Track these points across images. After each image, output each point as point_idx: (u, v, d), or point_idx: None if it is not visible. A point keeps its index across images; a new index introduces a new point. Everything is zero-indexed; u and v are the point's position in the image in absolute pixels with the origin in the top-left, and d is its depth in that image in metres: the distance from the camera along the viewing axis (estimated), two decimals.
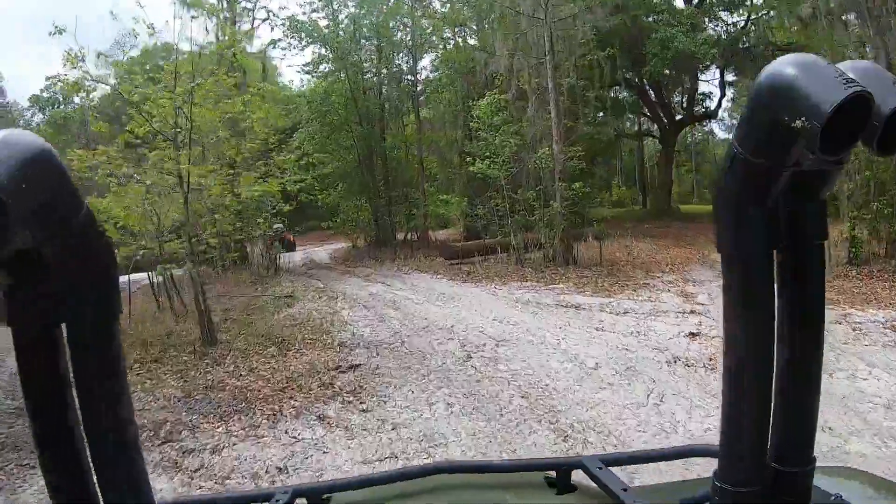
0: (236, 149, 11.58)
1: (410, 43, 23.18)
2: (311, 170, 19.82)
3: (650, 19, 21.15)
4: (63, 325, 0.64)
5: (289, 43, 22.18)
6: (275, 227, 19.01)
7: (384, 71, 22.96)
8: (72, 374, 0.65)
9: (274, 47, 23.56)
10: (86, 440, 0.66)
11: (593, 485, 1.01)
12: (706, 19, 22.58)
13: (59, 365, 0.65)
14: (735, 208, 0.65)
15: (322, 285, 14.70)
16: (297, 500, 1.00)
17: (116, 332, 0.66)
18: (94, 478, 0.67)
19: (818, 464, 0.76)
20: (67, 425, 0.65)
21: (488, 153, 15.55)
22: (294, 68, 60.17)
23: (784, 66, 0.58)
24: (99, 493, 0.67)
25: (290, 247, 23.34)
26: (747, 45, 22.56)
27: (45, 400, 0.65)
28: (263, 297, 13.14)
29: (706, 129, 38.85)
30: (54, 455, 0.66)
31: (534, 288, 12.53)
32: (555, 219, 14.59)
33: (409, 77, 23.93)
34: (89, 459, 0.67)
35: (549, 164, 14.91)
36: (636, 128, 31.75)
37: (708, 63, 23.14)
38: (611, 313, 9.96)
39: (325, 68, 22.57)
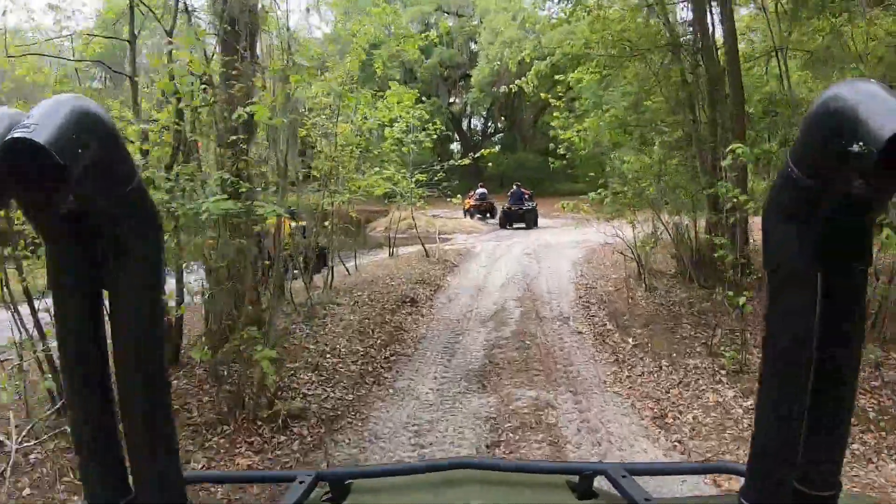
0: None
1: None
2: None
3: None
4: (105, 294, 0.66)
5: None
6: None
7: None
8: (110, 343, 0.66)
9: None
10: (119, 409, 0.67)
11: (615, 492, 1.00)
12: None
13: (98, 333, 0.67)
14: (782, 227, 0.65)
15: None
16: (320, 483, 1.01)
17: (158, 302, 0.67)
18: (125, 446, 0.69)
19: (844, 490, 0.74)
20: (103, 393, 0.67)
21: None
22: None
23: (844, 89, 0.57)
24: (128, 460, 0.69)
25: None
26: None
27: (81, 367, 0.66)
28: None
29: None
30: (86, 422, 0.68)
31: None
32: None
33: None
34: (121, 428, 0.68)
35: None
36: None
37: None
38: None
39: None
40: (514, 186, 24.50)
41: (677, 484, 3.25)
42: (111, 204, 0.61)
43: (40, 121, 0.52)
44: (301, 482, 0.97)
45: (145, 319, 0.65)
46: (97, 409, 0.68)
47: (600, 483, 1.02)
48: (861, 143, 0.53)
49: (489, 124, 50.81)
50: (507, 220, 23.61)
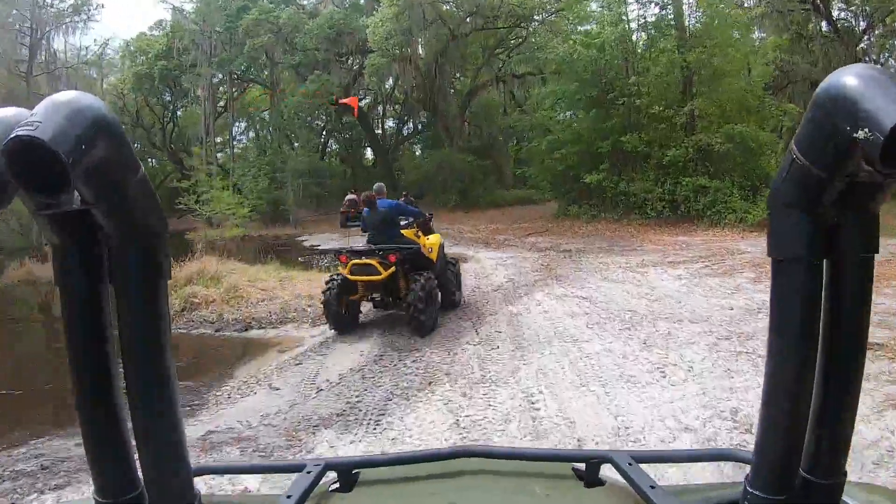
0: None
1: None
2: None
3: None
4: (111, 288, 0.63)
5: None
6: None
7: None
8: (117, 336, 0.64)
9: None
10: (127, 402, 0.66)
11: (621, 480, 0.94)
12: None
13: (105, 327, 0.65)
14: (786, 215, 0.63)
15: None
16: (328, 473, 0.97)
17: (163, 296, 0.64)
18: (133, 439, 0.66)
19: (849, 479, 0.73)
20: (110, 387, 0.66)
21: None
22: None
23: (848, 75, 0.55)
24: (136, 454, 0.67)
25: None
26: None
27: (88, 361, 0.65)
28: None
29: None
30: (94, 416, 0.66)
31: None
32: None
33: None
34: (129, 421, 0.66)
35: None
36: None
37: None
38: None
39: None
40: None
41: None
42: (116, 199, 0.59)
43: (44, 118, 0.50)
44: (309, 471, 0.95)
45: (151, 312, 0.64)
46: (105, 403, 0.66)
47: (606, 471, 0.99)
48: (866, 130, 0.52)
49: (406, 121, 39.91)
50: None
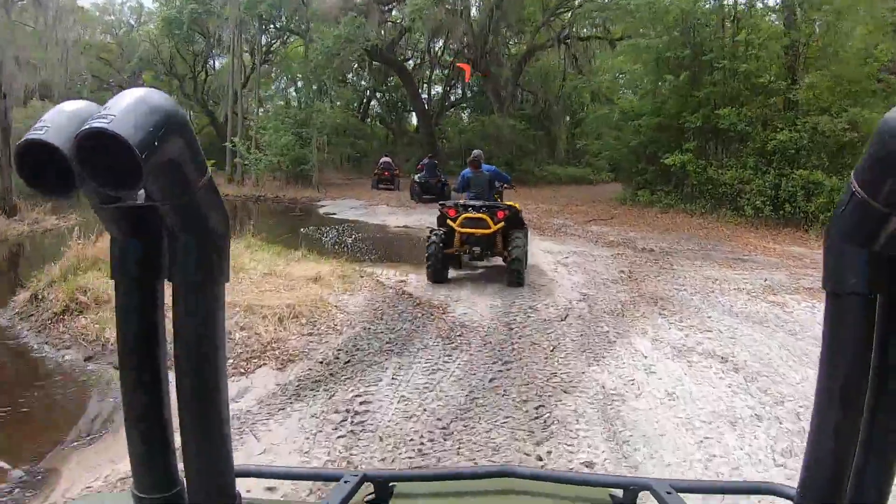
0: None
1: None
2: None
3: None
4: (167, 285, 0.64)
5: None
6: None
7: None
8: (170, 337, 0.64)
9: None
10: (175, 399, 0.65)
11: None
12: None
13: (158, 323, 0.65)
14: (846, 248, 0.62)
15: None
16: (365, 484, 0.95)
17: (220, 297, 0.64)
18: (178, 443, 0.67)
19: None
20: (158, 383, 0.66)
21: None
22: None
23: None
24: (180, 458, 0.67)
25: None
26: None
27: (138, 355, 0.65)
28: None
29: None
30: (140, 410, 0.66)
31: None
32: None
33: None
34: (174, 423, 0.66)
35: None
36: None
37: None
38: None
39: None
40: (427, 158, 21.13)
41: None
42: (182, 198, 0.59)
43: (118, 113, 0.50)
44: (346, 481, 0.93)
45: (209, 311, 0.63)
46: (152, 399, 0.66)
47: (643, 498, 0.96)
48: None
49: (454, 85, 36.11)
50: (420, 193, 19.43)
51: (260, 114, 30.09)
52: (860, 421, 0.65)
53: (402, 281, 7.90)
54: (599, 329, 5.80)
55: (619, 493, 0.96)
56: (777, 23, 16.03)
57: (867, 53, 14.39)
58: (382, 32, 28.19)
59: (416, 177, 20.17)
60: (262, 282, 6.67)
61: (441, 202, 8.40)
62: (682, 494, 0.92)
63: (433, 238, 7.68)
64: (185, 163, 0.57)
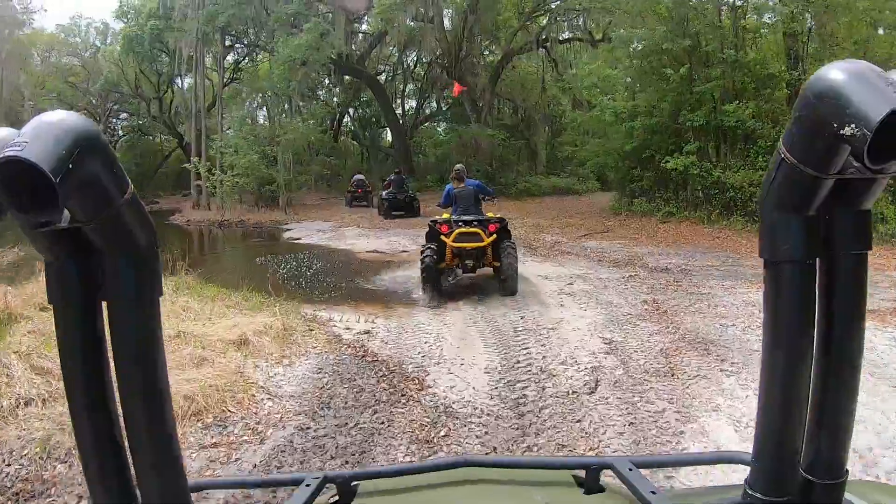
0: None
1: None
2: None
3: None
4: (104, 304, 0.64)
5: None
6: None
7: None
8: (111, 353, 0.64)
9: None
10: (123, 418, 0.65)
11: (622, 486, 0.91)
12: None
13: (99, 342, 0.64)
14: (780, 215, 0.63)
15: None
16: (327, 486, 0.95)
17: (156, 312, 0.64)
18: (129, 455, 0.66)
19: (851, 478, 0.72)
20: (105, 402, 0.65)
21: None
22: None
23: (835, 71, 0.54)
24: (133, 470, 0.67)
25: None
26: None
27: (83, 376, 0.64)
28: None
29: None
30: (90, 430, 0.65)
31: None
32: None
33: None
34: (125, 437, 0.65)
35: None
36: None
37: None
38: None
39: None
40: (394, 174, 20.37)
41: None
42: (107, 217, 0.59)
43: (31, 139, 0.51)
44: (308, 485, 0.92)
45: (145, 327, 0.63)
46: (101, 418, 0.65)
47: (606, 478, 0.96)
48: (853, 126, 0.52)
49: (428, 97, 34.45)
50: (389, 209, 18.63)
51: (226, 132, 28.14)
52: (808, 388, 0.65)
53: (365, 332, 5.98)
54: (651, 408, 3.92)
55: (582, 473, 0.95)
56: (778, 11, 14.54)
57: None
58: (353, 46, 26.50)
59: (384, 193, 19.36)
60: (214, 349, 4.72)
61: (432, 219, 8.30)
62: (642, 470, 0.92)
63: (427, 253, 7.74)
64: (104, 181, 0.56)
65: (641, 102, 14.77)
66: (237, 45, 30.63)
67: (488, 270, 8.17)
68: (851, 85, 0.52)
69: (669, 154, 14.22)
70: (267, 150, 23.31)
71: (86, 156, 0.53)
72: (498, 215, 8.16)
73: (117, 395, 0.65)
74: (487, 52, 28.99)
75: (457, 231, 7.58)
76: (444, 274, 8.15)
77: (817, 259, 0.63)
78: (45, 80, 34.47)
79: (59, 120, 0.54)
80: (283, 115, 25.83)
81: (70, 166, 0.51)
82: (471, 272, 8.28)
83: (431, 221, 8.14)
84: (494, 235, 7.66)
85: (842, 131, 0.52)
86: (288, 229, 17.91)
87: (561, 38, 25.57)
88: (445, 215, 8.09)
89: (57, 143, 0.51)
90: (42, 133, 0.52)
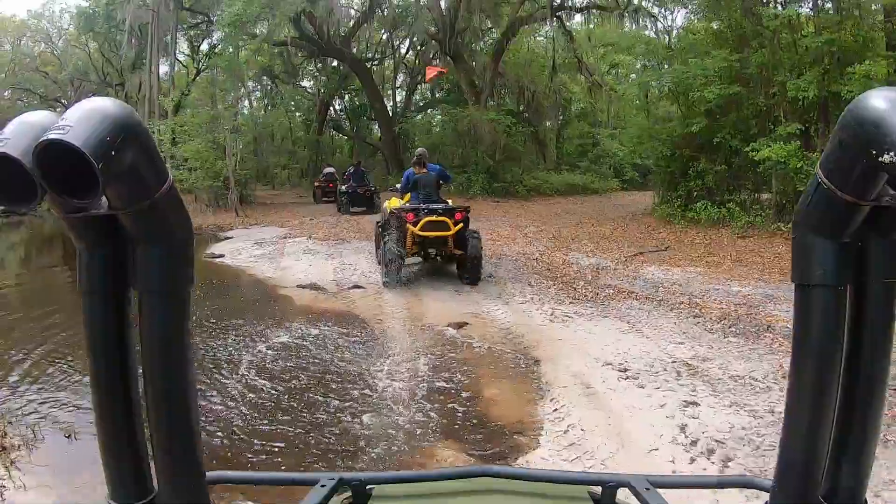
0: None
1: None
2: None
3: None
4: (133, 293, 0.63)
5: None
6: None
7: None
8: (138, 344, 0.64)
9: None
10: (147, 408, 0.65)
11: None
12: None
13: (126, 331, 0.64)
14: (813, 239, 0.61)
15: None
16: (342, 487, 0.93)
17: (186, 303, 0.64)
18: (150, 448, 0.66)
19: None
20: (128, 391, 0.65)
21: None
22: None
23: (876, 97, 0.53)
24: (152, 462, 0.66)
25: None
26: None
27: (107, 364, 0.64)
28: None
29: None
30: (111, 418, 0.65)
31: None
32: None
33: None
34: (146, 429, 0.65)
35: None
36: None
37: None
38: None
39: None
40: (352, 166, 18.59)
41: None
42: (144, 207, 0.58)
43: (75, 123, 0.50)
44: (323, 485, 0.90)
45: (174, 319, 0.63)
46: (122, 408, 0.64)
47: (622, 495, 0.93)
48: (893, 154, 0.51)
49: (420, 82, 29.95)
50: (348, 204, 17.13)
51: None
52: (832, 414, 0.64)
53: None
54: None
55: (598, 490, 0.93)
56: None
57: None
58: (332, 16, 22.07)
59: (343, 187, 17.70)
60: None
61: (396, 208, 7.89)
62: (660, 490, 0.90)
63: (390, 243, 7.66)
64: (144, 170, 0.56)
65: (716, 63, 10.12)
66: (200, 23, 26.26)
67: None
68: (893, 112, 0.50)
69: (752, 139, 9.80)
70: (219, 139, 18.85)
71: (128, 143, 0.52)
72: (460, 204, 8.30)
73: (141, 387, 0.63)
74: (489, 25, 24.50)
75: (424, 219, 7.53)
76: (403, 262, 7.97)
77: (848, 286, 0.61)
78: (14, 70, 31.00)
79: (102, 106, 0.53)
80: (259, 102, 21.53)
81: (112, 153, 0.50)
82: (432, 261, 8.44)
83: (395, 209, 7.87)
84: (461, 224, 7.65)
85: (881, 158, 0.50)
86: (226, 237, 13.36)
87: (578, 6, 21.08)
88: (395, 202, 8.11)
89: (101, 129, 0.50)
90: (86, 118, 0.51)
